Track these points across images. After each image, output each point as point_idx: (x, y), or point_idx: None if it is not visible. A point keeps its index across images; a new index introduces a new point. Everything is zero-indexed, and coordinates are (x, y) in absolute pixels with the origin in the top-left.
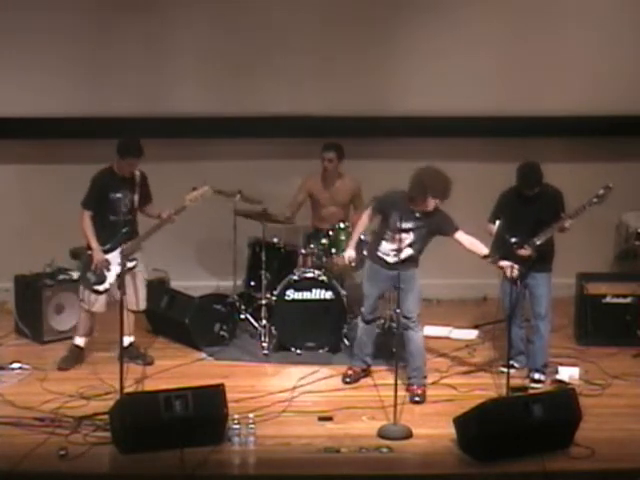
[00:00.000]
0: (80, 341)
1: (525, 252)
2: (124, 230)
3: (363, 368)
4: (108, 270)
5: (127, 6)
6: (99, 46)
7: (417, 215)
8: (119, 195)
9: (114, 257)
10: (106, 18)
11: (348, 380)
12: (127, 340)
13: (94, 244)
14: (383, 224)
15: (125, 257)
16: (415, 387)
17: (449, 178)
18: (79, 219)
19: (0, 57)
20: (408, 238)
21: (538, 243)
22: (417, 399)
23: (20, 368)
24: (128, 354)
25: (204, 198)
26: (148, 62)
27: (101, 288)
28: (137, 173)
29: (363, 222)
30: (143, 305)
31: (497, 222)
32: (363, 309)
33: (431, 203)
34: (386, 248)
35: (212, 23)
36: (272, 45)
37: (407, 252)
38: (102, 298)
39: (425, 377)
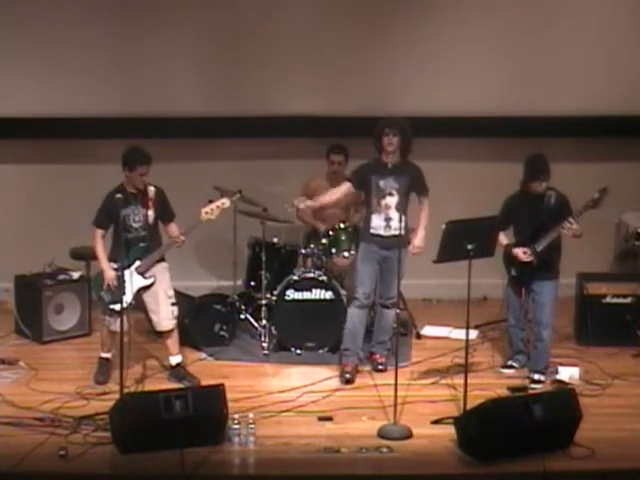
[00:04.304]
0: (107, 355)
1: (527, 259)
2: (140, 246)
3: (357, 363)
4: (123, 288)
5: (127, 7)
6: (99, 47)
7: (391, 168)
8: (129, 211)
9: (130, 275)
10: (106, 19)
11: (348, 377)
12: (174, 360)
13: (103, 263)
14: (368, 197)
15: (141, 274)
16: (378, 356)
17: (401, 118)
18: (91, 237)
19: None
20: (393, 201)
21: (539, 249)
22: (380, 367)
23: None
24: (175, 374)
25: (221, 211)
26: (148, 62)
27: (117, 308)
28: (152, 189)
29: (337, 191)
30: (167, 325)
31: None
32: (358, 293)
33: (385, 141)
34: (377, 222)
35: (212, 23)
36: (272, 45)
37: (396, 218)
38: (123, 317)
39: (388, 349)
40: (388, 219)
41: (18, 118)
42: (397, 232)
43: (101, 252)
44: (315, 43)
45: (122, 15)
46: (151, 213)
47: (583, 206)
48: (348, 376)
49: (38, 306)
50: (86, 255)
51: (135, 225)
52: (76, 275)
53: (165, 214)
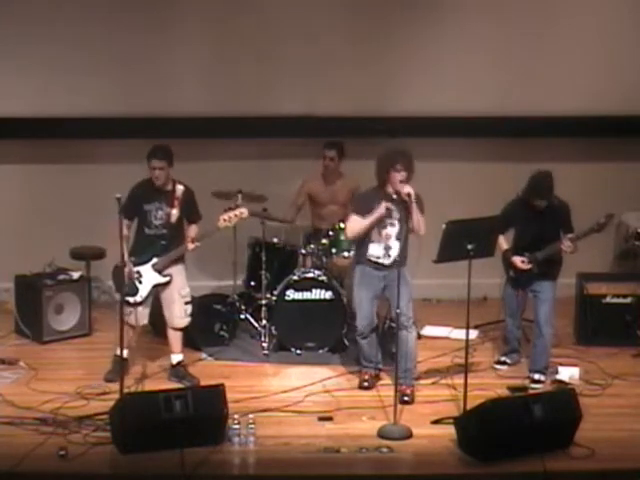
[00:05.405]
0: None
1: (524, 266)
2: (161, 244)
3: (377, 373)
4: (140, 282)
5: (127, 8)
6: (99, 46)
7: (396, 198)
8: (151, 207)
9: (146, 270)
10: (106, 18)
11: (367, 385)
12: (175, 358)
13: (121, 255)
14: None
15: (157, 271)
16: (404, 387)
17: (408, 150)
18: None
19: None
20: (394, 230)
21: (540, 258)
22: (406, 399)
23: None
24: (175, 373)
25: (239, 220)
26: (148, 62)
27: (132, 300)
28: (180, 187)
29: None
30: (179, 322)
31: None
32: (358, 322)
33: (396, 178)
34: (376, 251)
35: (212, 23)
36: (272, 45)
37: (396, 247)
38: (137, 311)
39: (414, 378)
40: (387, 248)
41: (18, 118)
42: (397, 258)
43: (122, 242)
44: (316, 43)
45: (122, 15)
46: (175, 212)
47: (588, 229)
48: (366, 384)
49: (38, 306)
50: (86, 255)
51: (156, 222)
52: (76, 275)
53: (190, 214)
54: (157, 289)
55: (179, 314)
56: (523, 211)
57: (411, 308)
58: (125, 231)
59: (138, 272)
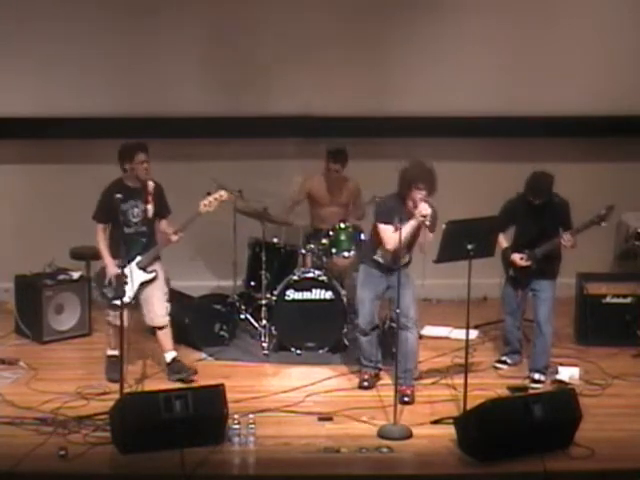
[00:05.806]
0: (115, 352)
1: (524, 263)
2: (141, 241)
3: (376, 373)
4: (125, 284)
5: (129, 7)
6: (99, 47)
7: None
8: (127, 206)
9: (132, 269)
10: (107, 19)
11: (366, 384)
12: (169, 356)
13: (105, 258)
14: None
15: (142, 269)
16: (404, 387)
17: (433, 169)
18: (95, 232)
19: None
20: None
21: (539, 255)
22: (406, 399)
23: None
24: (172, 369)
25: (220, 203)
26: (148, 62)
27: (119, 303)
28: (151, 183)
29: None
30: (160, 321)
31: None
32: (359, 320)
33: (417, 195)
34: (384, 256)
35: (213, 23)
36: (272, 45)
37: (403, 254)
38: (125, 313)
39: (415, 378)
40: (396, 255)
41: (18, 118)
42: (402, 263)
43: (103, 247)
44: (315, 43)
45: (122, 15)
46: (150, 208)
47: (589, 221)
48: (366, 384)
49: (38, 306)
50: (86, 255)
51: (134, 220)
52: (76, 275)
53: (162, 209)
54: (141, 288)
55: (161, 312)
56: (523, 208)
57: (414, 309)
58: (103, 235)
59: (122, 274)
